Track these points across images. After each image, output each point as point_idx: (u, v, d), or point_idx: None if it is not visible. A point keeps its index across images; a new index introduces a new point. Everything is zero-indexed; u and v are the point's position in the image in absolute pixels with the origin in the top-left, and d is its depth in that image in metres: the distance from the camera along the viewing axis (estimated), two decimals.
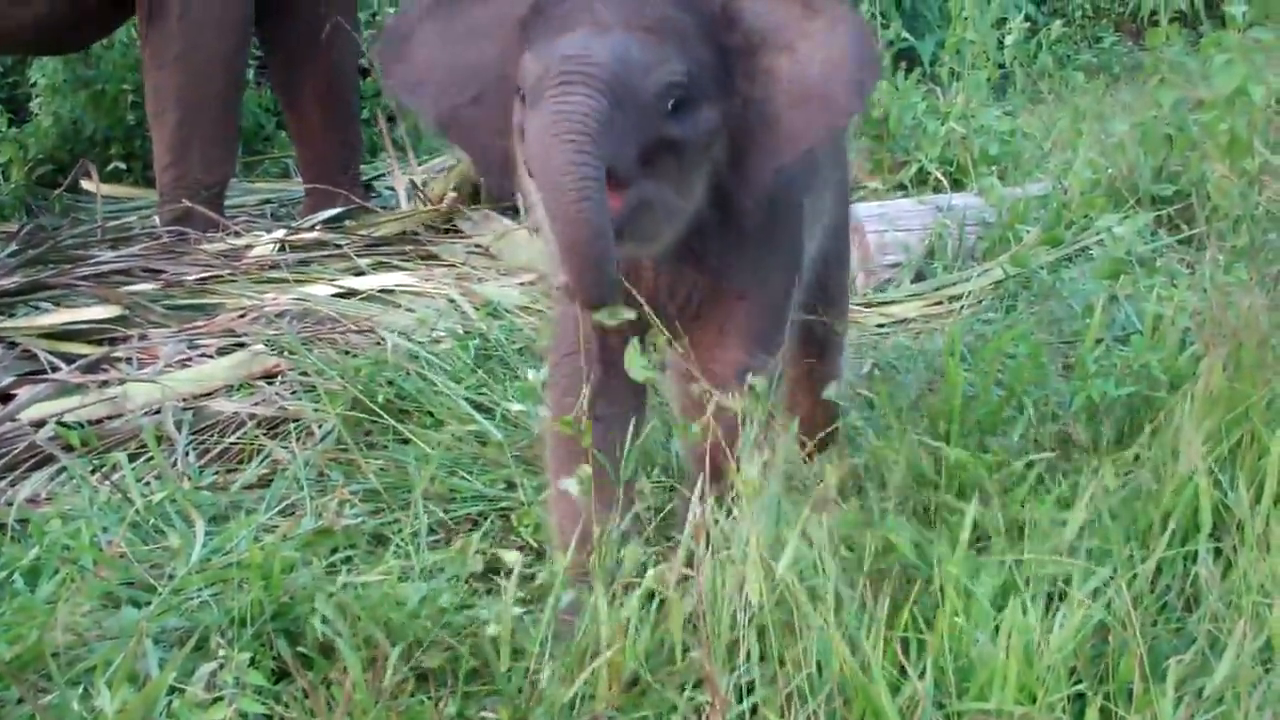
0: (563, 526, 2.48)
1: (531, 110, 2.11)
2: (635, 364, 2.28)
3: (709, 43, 2.23)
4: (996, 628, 2.11)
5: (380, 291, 4.07)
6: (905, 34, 8.30)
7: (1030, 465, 2.65)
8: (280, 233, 4.71)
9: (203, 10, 4.95)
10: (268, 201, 5.90)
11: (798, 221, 2.59)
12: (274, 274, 4.33)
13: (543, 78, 2.10)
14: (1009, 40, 7.08)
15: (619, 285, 2.18)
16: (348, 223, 4.93)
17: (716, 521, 2.22)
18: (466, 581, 2.56)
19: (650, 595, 2.22)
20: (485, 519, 2.98)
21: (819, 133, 2.37)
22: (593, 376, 2.34)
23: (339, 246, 4.56)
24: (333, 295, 4.06)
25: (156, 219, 5.11)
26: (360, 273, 4.32)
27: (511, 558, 2.40)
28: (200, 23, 4.96)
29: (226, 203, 5.32)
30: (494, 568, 2.60)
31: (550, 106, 2.05)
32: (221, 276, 4.30)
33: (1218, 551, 2.47)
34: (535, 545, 2.82)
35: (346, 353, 3.62)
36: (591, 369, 2.34)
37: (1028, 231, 4.66)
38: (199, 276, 4.30)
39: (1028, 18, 8.20)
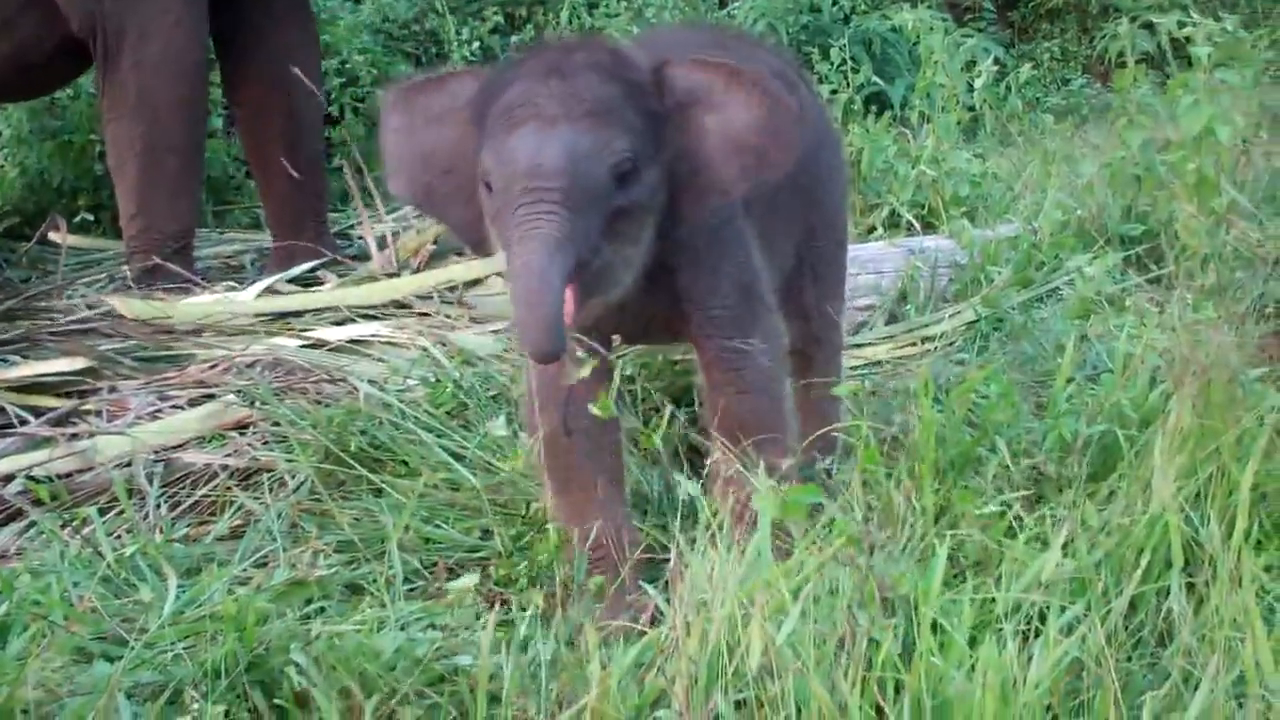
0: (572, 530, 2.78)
1: (501, 221, 2.44)
2: (602, 408, 2.57)
3: (640, 109, 2.50)
4: (973, 665, 2.11)
5: (352, 341, 4.06)
6: (875, 78, 8.37)
7: (1004, 504, 2.66)
8: (254, 292, 4.65)
9: (156, 57, 4.91)
10: (241, 252, 5.87)
11: (738, 235, 2.84)
12: (244, 324, 4.31)
13: (507, 188, 2.41)
14: (978, 84, 7.12)
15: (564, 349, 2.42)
16: (330, 275, 4.91)
17: (688, 565, 2.22)
18: (442, 630, 2.54)
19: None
20: (462, 568, 2.97)
21: (746, 179, 2.62)
22: (568, 394, 2.61)
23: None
24: (304, 345, 4.04)
25: (127, 271, 5.08)
26: (337, 322, 4.30)
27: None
28: (154, 69, 4.92)
29: (198, 253, 5.30)
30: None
31: (521, 227, 2.36)
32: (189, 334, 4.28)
33: (1190, 587, 2.48)
34: (513, 596, 2.81)
35: (319, 402, 3.60)
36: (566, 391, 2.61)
37: (999, 273, 4.68)
38: (166, 329, 4.28)
39: (997, 61, 8.25)
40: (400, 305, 4.42)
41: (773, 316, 2.88)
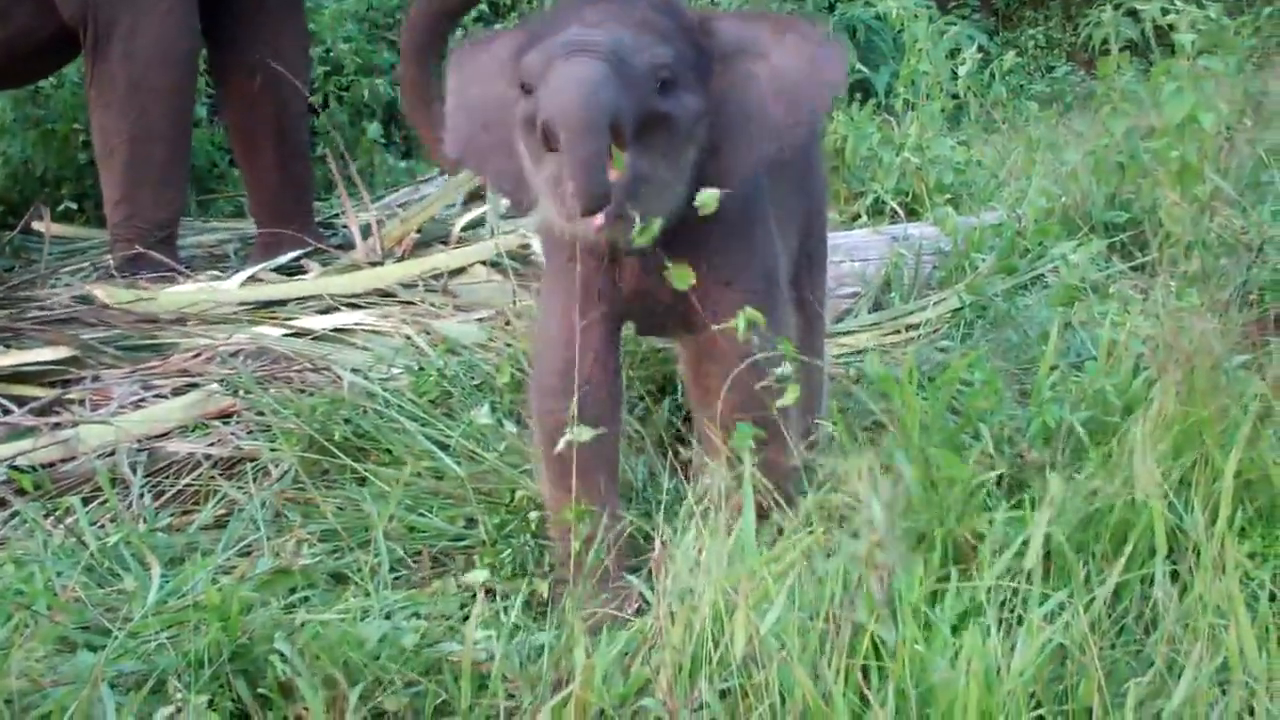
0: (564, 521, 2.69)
1: (540, 83, 2.35)
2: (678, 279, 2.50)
3: (689, 42, 2.52)
4: (956, 653, 2.12)
5: (335, 330, 4.05)
6: (860, 66, 8.38)
7: (985, 486, 2.66)
8: (237, 281, 4.64)
9: (147, 45, 4.90)
10: (225, 241, 5.85)
11: (766, 216, 2.81)
12: (227, 313, 4.30)
13: (547, 61, 2.35)
14: (962, 71, 7.11)
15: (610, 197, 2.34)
16: (313, 264, 4.91)
17: (673, 554, 2.23)
18: (427, 619, 2.54)
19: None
20: (447, 556, 2.97)
21: (794, 127, 2.63)
22: (580, 383, 2.61)
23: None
24: (287, 335, 4.03)
25: (110, 259, 5.06)
26: (321, 311, 4.30)
27: (478, 577, 2.42)
28: (145, 58, 4.90)
29: (181, 242, 5.29)
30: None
31: (561, 67, 2.30)
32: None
33: (1174, 574, 2.49)
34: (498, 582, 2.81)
35: (303, 391, 3.60)
36: (579, 374, 2.61)
37: (983, 260, 4.68)
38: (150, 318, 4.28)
39: (981, 48, 8.25)
40: (384, 294, 4.41)
41: (788, 307, 2.89)
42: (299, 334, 4.05)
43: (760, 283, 2.76)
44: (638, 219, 2.38)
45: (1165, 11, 5.33)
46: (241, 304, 4.39)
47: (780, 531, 2.43)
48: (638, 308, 2.72)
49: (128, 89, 4.90)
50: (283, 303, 4.40)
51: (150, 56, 4.91)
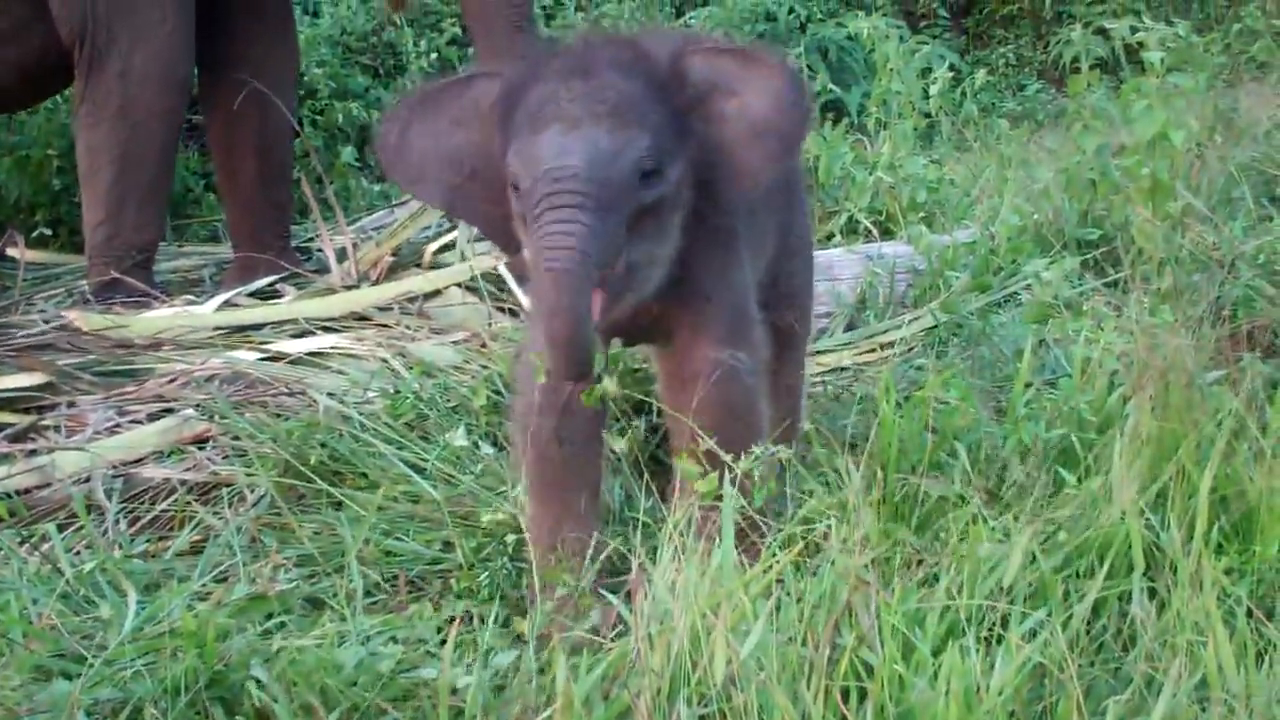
0: (540, 537, 2.76)
1: (529, 224, 2.43)
2: (591, 400, 2.58)
3: (662, 104, 2.52)
4: (936, 672, 2.12)
5: (311, 354, 4.04)
6: (832, 85, 8.41)
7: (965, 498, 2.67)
8: (213, 305, 4.63)
9: (144, 66, 4.89)
10: (200, 266, 5.83)
11: (737, 242, 2.85)
12: (202, 338, 4.29)
13: (531, 189, 2.41)
14: (934, 90, 7.14)
15: (594, 366, 2.44)
16: (288, 288, 4.90)
17: (650, 577, 2.22)
18: (404, 644, 2.53)
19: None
20: (423, 580, 2.96)
21: (771, 163, 2.66)
22: (559, 402, 2.66)
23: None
24: (263, 359, 4.02)
25: (85, 284, 5.04)
26: (297, 335, 4.28)
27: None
28: (141, 79, 4.90)
29: (156, 267, 5.27)
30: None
31: (544, 230, 2.36)
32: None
33: (1152, 591, 2.49)
34: (473, 608, 2.80)
35: (279, 415, 3.59)
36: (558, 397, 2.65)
37: (957, 278, 4.70)
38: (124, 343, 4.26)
39: (952, 67, 8.29)
40: (360, 317, 4.40)
41: (759, 329, 2.88)
42: (274, 358, 4.03)
43: (734, 296, 2.80)
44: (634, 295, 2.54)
45: (1134, 30, 5.37)
46: (217, 328, 4.38)
47: (753, 549, 2.44)
48: (624, 322, 2.70)
49: (121, 108, 4.90)
50: (258, 327, 4.39)
51: (147, 77, 4.91)
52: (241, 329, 4.37)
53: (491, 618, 2.65)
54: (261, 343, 4.19)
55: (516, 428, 2.85)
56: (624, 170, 2.42)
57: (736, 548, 2.35)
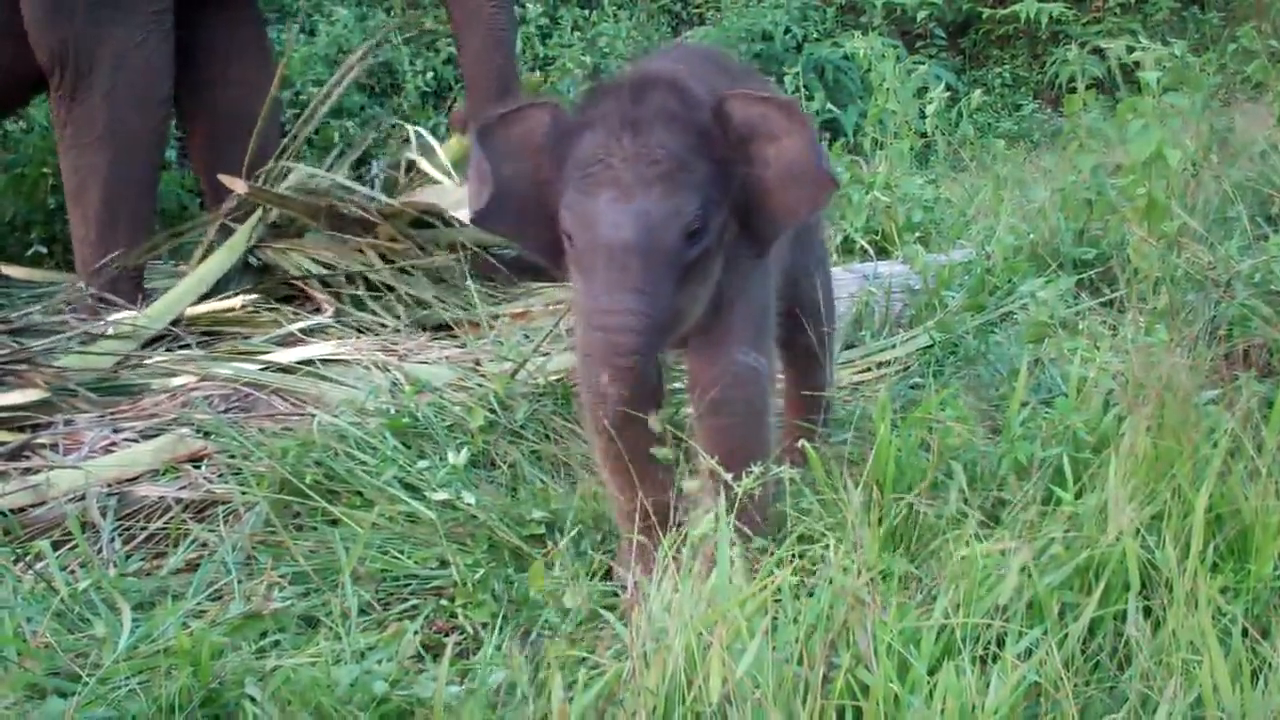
0: (620, 498, 2.95)
1: (581, 273, 2.61)
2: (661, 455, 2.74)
3: (708, 155, 2.61)
4: (931, 691, 2.11)
5: (303, 362, 4.05)
6: (829, 105, 8.42)
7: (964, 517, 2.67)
8: (201, 309, 4.63)
9: (128, 88, 4.92)
10: None
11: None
12: (193, 352, 4.29)
13: (585, 251, 2.57)
14: (930, 110, 7.17)
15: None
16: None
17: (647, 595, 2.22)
18: (400, 662, 2.53)
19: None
20: (418, 598, 2.96)
21: (808, 207, 2.80)
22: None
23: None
24: (259, 369, 4.02)
25: (77, 302, 5.04)
26: (288, 342, 4.30)
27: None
28: (125, 100, 4.93)
29: (149, 284, 5.27)
30: (429, 644, 2.60)
31: (597, 296, 2.53)
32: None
33: (1147, 610, 2.49)
34: (470, 625, 2.80)
35: (276, 434, 3.58)
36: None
37: (953, 297, 4.71)
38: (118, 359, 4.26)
39: (948, 87, 8.32)
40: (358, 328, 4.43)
41: (771, 341, 3.01)
42: (268, 368, 4.04)
43: (756, 304, 2.94)
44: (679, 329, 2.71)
45: (1130, 50, 5.38)
46: (204, 332, 4.41)
47: (753, 563, 2.44)
48: None
49: (106, 130, 4.92)
50: (247, 337, 4.42)
51: (129, 99, 4.94)
52: (232, 339, 4.40)
53: (490, 636, 2.64)
54: (257, 353, 4.20)
55: (589, 414, 2.93)
56: (674, 237, 2.53)
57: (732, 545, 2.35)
